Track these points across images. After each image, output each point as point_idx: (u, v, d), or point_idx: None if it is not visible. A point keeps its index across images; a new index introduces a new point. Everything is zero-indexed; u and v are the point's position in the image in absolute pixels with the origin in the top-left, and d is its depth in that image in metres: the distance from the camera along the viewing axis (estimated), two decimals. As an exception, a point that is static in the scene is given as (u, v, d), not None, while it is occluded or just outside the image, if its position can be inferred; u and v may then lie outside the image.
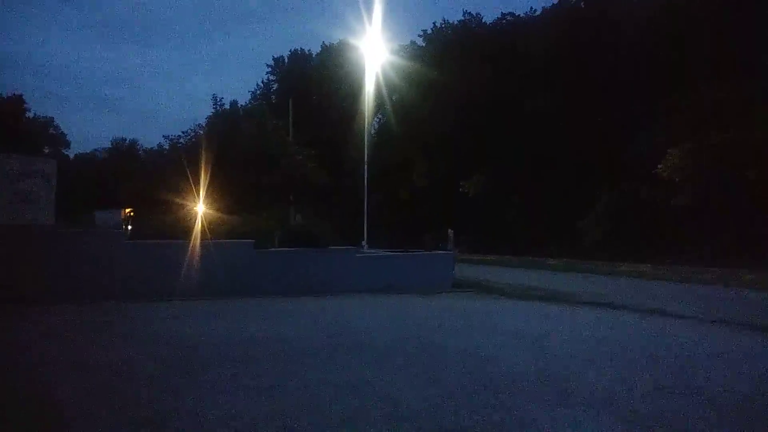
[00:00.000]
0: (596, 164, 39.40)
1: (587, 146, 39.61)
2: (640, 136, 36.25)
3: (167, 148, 40.72)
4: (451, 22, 54.03)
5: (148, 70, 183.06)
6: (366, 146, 24.71)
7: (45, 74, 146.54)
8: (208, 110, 61.12)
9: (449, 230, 19.90)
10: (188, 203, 22.05)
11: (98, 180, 68.68)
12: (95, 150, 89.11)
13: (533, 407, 5.14)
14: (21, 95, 66.53)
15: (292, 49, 67.54)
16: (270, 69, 67.71)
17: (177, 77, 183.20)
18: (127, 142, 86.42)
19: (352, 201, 38.84)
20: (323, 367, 6.69)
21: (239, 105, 52.28)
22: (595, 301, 14.56)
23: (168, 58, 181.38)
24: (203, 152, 23.96)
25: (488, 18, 53.29)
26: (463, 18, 53.53)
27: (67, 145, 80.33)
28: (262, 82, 68.34)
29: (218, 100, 45.20)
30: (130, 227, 21.93)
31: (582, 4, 46.29)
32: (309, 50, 66.79)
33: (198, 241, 14.28)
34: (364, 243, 21.92)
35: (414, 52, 52.02)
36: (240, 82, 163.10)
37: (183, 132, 35.72)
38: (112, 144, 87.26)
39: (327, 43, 62.25)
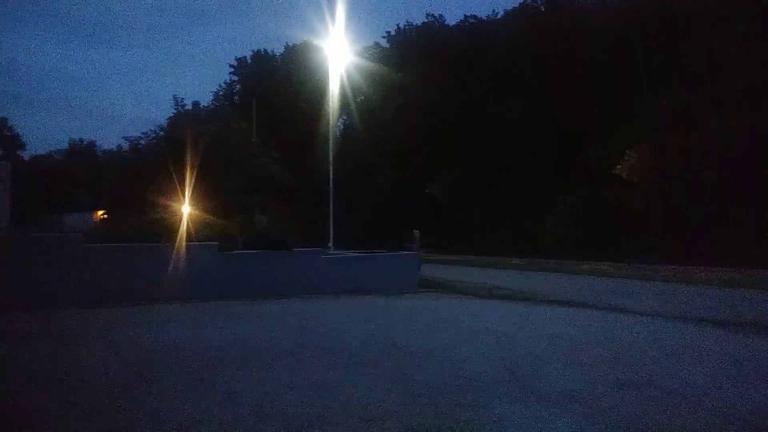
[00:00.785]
0: (559, 165, 40.11)
1: (550, 148, 40.32)
2: (602, 137, 37.07)
3: (127, 149, 39.77)
4: (414, 23, 54.41)
5: (107, 70, 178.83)
6: (331, 148, 24.63)
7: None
8: (169, 111, 60.00)
9: (415, 231, 19.96)
10: (167, 204, 21.67)
11: (55, 182, 66.66)
12: (52, 152, 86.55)
13: (499, 405, 5.20)
14: (-30, 95, 64.12)
15: (255, 50, 66.87)
16: (233, 69, 66.91)
17: (137, 77, 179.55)
18: (84, 143, 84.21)
19: (317, 203, 38.67)
20: (289, 370, 6.64)
21: (201, 106, 51.51)
22: (558, 299, 14.80)
23: (127, 58, 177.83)
24: (166, 154, 23.57)
25: (451, 20, 53.80)
26: (426, 20, 53.93)
27: (23, 146, 77.82)
28: (225, 82, 67.48)
29: (179, 100, 44.31)
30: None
31: (542, 8, 47.10)
32: (272, 51, 66.25)
33: (162, 244, 14.03)
34: (329, 244, 21.84)
35: (378, 54, 52.15)
36: (202, 82, 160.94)
37: (143, 133, 34.90)
38: (69, 145, 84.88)
39: (290, 43, 61.90)
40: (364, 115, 49.47)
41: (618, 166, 33.47)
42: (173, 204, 22.15)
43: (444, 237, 43.03)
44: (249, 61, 66.31)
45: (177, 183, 22.64)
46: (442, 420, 4.76)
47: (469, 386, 5.86)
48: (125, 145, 40.13)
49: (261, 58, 65.87)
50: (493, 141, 42.58)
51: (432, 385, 5.93)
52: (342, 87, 27.37)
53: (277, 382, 6.01)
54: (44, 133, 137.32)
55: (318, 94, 40.30)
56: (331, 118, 25.18)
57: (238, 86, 66.72)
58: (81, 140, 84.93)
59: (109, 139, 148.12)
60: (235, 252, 15.50)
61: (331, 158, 24.07)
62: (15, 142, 75.96)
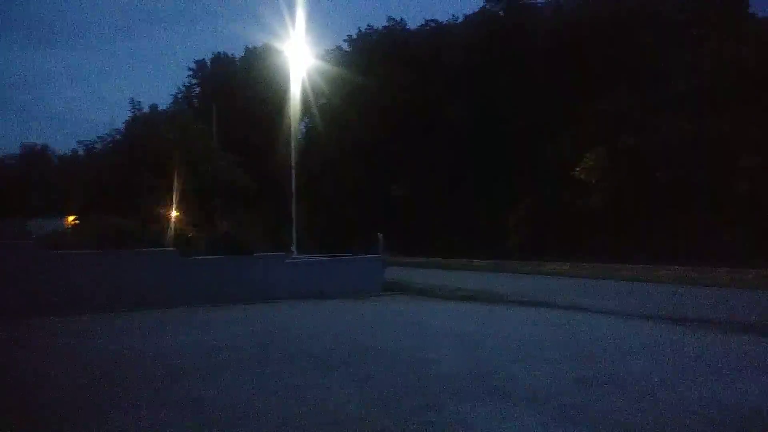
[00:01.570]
0: (519, 167, 40.72)
1: (510, 150, 40.92)
2: (560, 139, 37.81)
3: (82, 153, 38.66)
4: (375, 27, 54.47)
5: (61, 72, 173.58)
6: (293, 151, 24.46)
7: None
8: (125, 114, 58.59)
9: (379, 234, 19.96)
10: (128, 210, 21.08)
11: (10, 186, 64.20)
12: (3, 156, 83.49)
13: (464, 406, 5.23)
14: None
15: (215, 52, 65.93)
16: (192, 72, 65.82)
17: (92, 80, 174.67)
18: (38, 147, 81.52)
19: (280, 206, 38.34)
20: (253, 376, 6.54)
21: (160, 109, 50.44)
22: (520, 299, 15.01)
23: (82, 60, 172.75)
24: (123, 158, 22.99)
25: (412, 24, 54.00)
26: (387, 24, 54.06)
27: (-28, 151, 74.71)
28: (184, 85, 66.31)
29: (136, 103, 43.29)
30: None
31: (501, 12, 47.76)
32: (232, 54, 65.41)
33: (118, 250, 13.65)
34: (293, 249, 21.67)
35: (340, 57, 52.07)
36: (160, 85, 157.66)
37: (99, 137, 33.92)
38: (21, 149, 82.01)
39: (251, 46, 61.21)
40: (326, 117, 49.32)
41: (576, 169, 34.23)
42: (133, 209, 21.61)
43: (408, 239, 43.17)
44: (208, 63, 65.35)
45: (135, 188, 22.10)
46: (407, 422, 4.77)
47: (434, 387, 5.89)
48: (80, 149, 39.00)
49: (220, 60, 65.00)
50: (454, 143, 43.00)
51: (398, 387, 5.93)
52: (304, 90, 27.21)
53: (243, 389, 5.92)
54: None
55: (279, 97, 39.99)
56: (292, 122, 25.03)
57: (197, 89, 65.68)
58: (34, 144, 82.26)
59: (65, 143, 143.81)
60: (197, 258, 15.23)
61: (293, 162, 23.90)
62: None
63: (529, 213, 38.20)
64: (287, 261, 16.84)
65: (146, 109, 44.73)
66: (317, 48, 42.50)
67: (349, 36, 55.47)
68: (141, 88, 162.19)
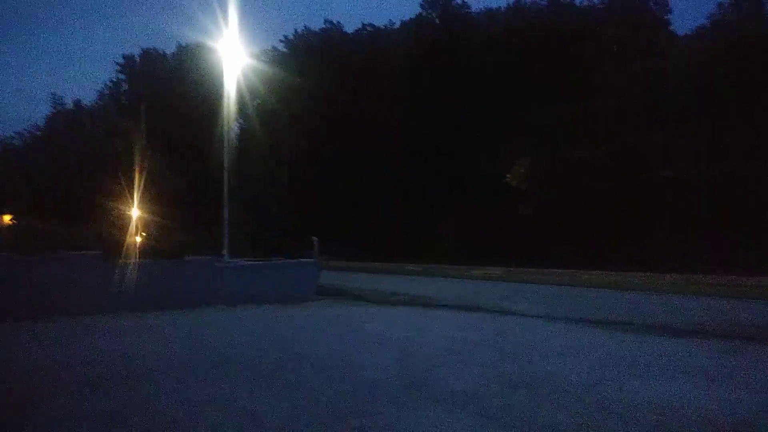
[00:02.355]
0: (455, 174, 41.44)
1: (446, 157, 41.59)
2: (495, 148, 38.76)
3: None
4: (312, 29, 54.25)
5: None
6: (226, 153, 23.87)
7: None
8: (46, 110, 55.73)
9: (313, 238, 19.78)
10: (50, 211, 19.99)
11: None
12: None
13: (394, 411, 5.22)
14: None
15: (145, 48, 63.78)
16: (120, 68, 63.37)
17: (11, 74, 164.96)
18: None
19: (214, 209, 37.38)
20: (181, 385, 6.31)
21: (84, 105, 48.32)
22: (453, 304, 15.22)
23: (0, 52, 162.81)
24: (45, 156, 21.85)
25: (349, 28, 54.16)
26: (324, 26, 53.95)
27: None
28: (111, 81, 63.78)
29: (58, 99, 41.27)
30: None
31: (437, 20, 48.57)
32: (163, 50, 63.42)
33: (45, 254, 12.94)
34: (224, 253, 21.12)
35: (276, 58, 51.51)
36: (85, 81, 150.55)
37: (16, 132, 32.17)
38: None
39: (183, 43, 59.57)
40: (263, 119, 48.56)
41: (508, 176, 35.21)
42: (56, 211, 20.57)
43: (344, 244, 43.07)
44: (137, 59, 63.12)
45: (58, 188, 21.06)
46: (336, 428, 4.72)
47: (364, 393, 5.86)
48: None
49: (151, 56, 62.90)
50: (392, 148, 43.29)
51: (328, 393, 5.87)
52: (239, 90, 26.62)
53: (167, 399, 5.69)
54: None
55: (213, 96, 39.06)
56: (225, 122, 24.46)
57: (125, 86, 63.31)
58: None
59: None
60: (123, 262, 14.60)
61: (225, 163, 23.32)
62: None
63: (463, 219, 38.95)
64: (218, 266, 16.41)
65: (69, 105, 42.81)
66: (252, 47, 41.85)
67: (286, 37, 55.08)
68: (65, 84, 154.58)
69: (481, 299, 16.41)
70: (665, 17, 44.55)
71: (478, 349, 8.56)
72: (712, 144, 31.60)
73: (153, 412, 5.21)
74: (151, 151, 30.08)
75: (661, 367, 7.37)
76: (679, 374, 6.90)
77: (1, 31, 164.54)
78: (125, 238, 18.95)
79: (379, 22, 65.13)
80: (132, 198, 25.64)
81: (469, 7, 48.66)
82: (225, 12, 20.27)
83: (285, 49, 54.57)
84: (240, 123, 52.82)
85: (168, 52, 62.36)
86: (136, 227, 22.53)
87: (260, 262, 18.54)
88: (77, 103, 58.27)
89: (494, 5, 48.76)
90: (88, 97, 63.53)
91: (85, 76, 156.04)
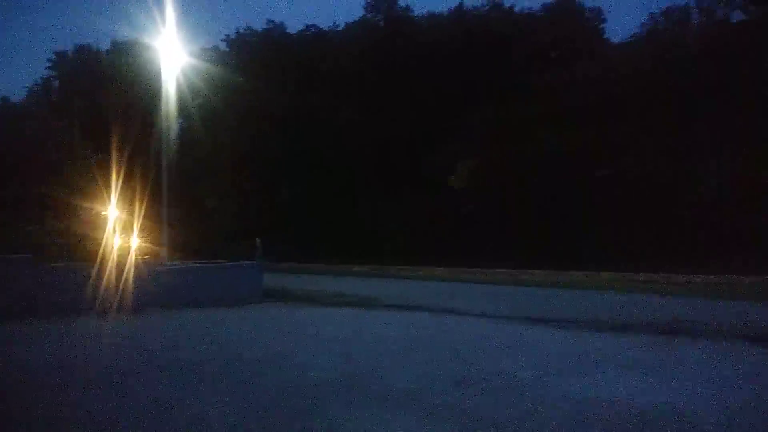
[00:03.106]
0: (400, 175, 41.70)
1: (391, 157, 41.81)
2: (439, 148, 39.24)
3: None
4: (254, 29, 53.44)
5: None
6: (165, 153, 23.21)
7: None
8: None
9: (257, 239, 19.49)
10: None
11: None
12: None
13: (339, 411, 5.20)
14: None
15: (78, 44, 61.15)
16: (51, 64, 60.53)
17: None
18: None
19: (154, 211, 36.26)
20: (121, 391, 6.08)
21: (12, 102, 45.96)
22: (397, 303, 15.30)
23: None
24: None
25: (292, 29, 53.61)
26: (267, 26, 53.23)
27: None
28: (42, 78, 60.87)
29: (-17, 95, 39.08)
30: None
31: (381, 23, 48.78)
32: (97, 46, 60.96)
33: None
34: (163, 255, 20.53)
35: (217, 57, 50.42)
36: (14, 78, 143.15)
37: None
38: None
39: (119, 40, 57.45)
40: (205, 118, 47.43)
41: (451, 177, 35.74)
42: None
43: (290, 245, 42.63)
44: (70, 55, 60.47)
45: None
46: (281, 430, 4.68)
47: (310, 394, 5.82)
48: None
49: (84, 53, 60.30)
50: (336, 150, 43.17)
51: (273, 395, 5.79)
52: (179, 89, 25.93)
53: (107, 405, 5.47)
54: None
55: (151, 95, 37.95)
56: (164, 122, 23.79)
57: (56, 82, 60.57)
58: None
59: None
60: (56, 265, 13.97)
61: (165, 164, 22.67)
62: None
63: (408, 219, 39.24)
64: (158, 268, 15.93)
65: (-5, 102, 40.64)
66: (192, 46, 40.72)
67: (227, 36, 54.04)
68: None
69: (426, 299, 16.58)
70: (600, 25, 46.36)
71: (422, 348, 8.63)
72: (642, 144, 33.09)
73: (86, 420, 4.99)
74: (85, 151, 28.91)
75: (599, 361, 7.64)
76: (615, 368, 7.16)
77: None
78: (60, 239, 18.17)
79: (323, 24, 64.89)
80: (64, 199, 24.57)
81: (412, 10, 49.16)
82: (162, 9, 19.68)
83: (227, 48, 53.57)
84: (181, 122, 51.45)
85: (103, 49, 60.04)
86: (69, 229, 21.59)
87: (201, 265, 18.12)
88: (5, 100, 55.39)
89: (437, 9, 49.34)
90: (17, 95, 60.34)
91: (13, 73, 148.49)
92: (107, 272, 14.11)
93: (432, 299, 16.42)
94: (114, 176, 28.85)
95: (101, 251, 15.43)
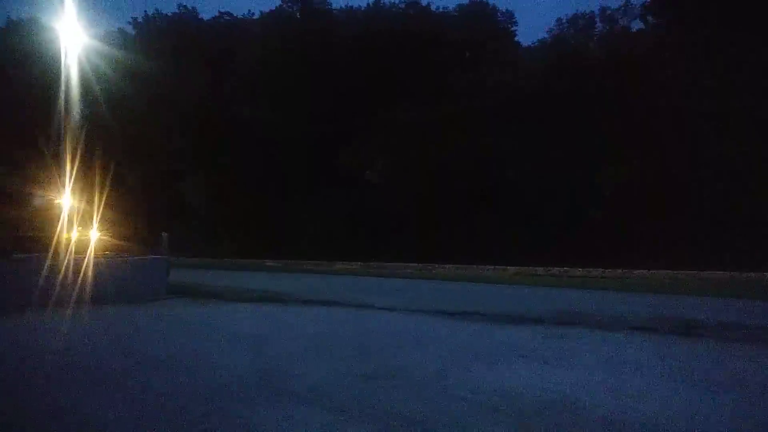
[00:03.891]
0: (315, 170, 41.39)
1: (306, 152, 41.41)
2: (356, 145, 39.30)
3: None
4: (164, 13, 51.32)
5: None
6: (65, 139, 21.85)
7: None
8: None
9: (163, 234, 18.72)
10: None
11: None
12: None
13: (248, 409, 5.12)
14: None
15: (-34, 20, 56.18)
16: (-67, 41, 55.24)
17: None
18: None
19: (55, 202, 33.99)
20: (12, 396, 5.66)
21: None
22: (311, 299, 15.22)
23: None
24: None
25: (205, 14, 52.00)
26: (177, 10, 51.28)
27: None
28: None
29: None
30: None
31: (298, 14, 48.16)
32: (-12, 23, 56.28)
33: None
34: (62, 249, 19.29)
35: (123, 41, 47.99)
36: None
37: None
38: None
39: (14, 18, 53.41)
40: (109, 105, 44.92)
41: (367, 172, 35.96)
42: None
43: (199, 239, 41.33)
44: (-44, 32, 55.44)
45: None
46: (187, 430, 4.54)
47: (218, 393, 5.67)
48: None
49: (-27, 30, 55.56)
50: (249, 142, 42.24)
51: (179, 395, 5.59)
52: (82, 73, 24.42)
53: (-13, 413, 5.08)
54: None
55: (50, 78, 35.49)
56: (62, 108, 22.37)
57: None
58: None
59: None
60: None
61: (66, 151, 21.35)
62: None
63: (323, 214, 39.10)
64: (50, 263, 14.93)
65: None
66: (97, 28, 38.57)
67: (134, 19, 51.57)
68: None
69: (340, 294, 16.59)
70: (512, 29, 48.05)
71: (333, 343, 8.64)
72: (546, 147, 34.71)
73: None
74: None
75: (503, 352, 7.95)
76: (517, 358, 7.48)
77: None
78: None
79: (237, 11, 63.23)
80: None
81: (330, 4, 48.86)
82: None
83: (133, 32, 51.06)
84: (82, 108, 48.51)
85: (-6, 26, 55.51)
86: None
87: (101, 259, 17.17)
88: None
89: (354, 4, 49.39)
90: None
91: None
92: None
93: (346, 294, 16.46)
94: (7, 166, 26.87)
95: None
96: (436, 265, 28.15)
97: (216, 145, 43.60)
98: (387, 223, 36.99)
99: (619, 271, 26.44)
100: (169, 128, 44.17)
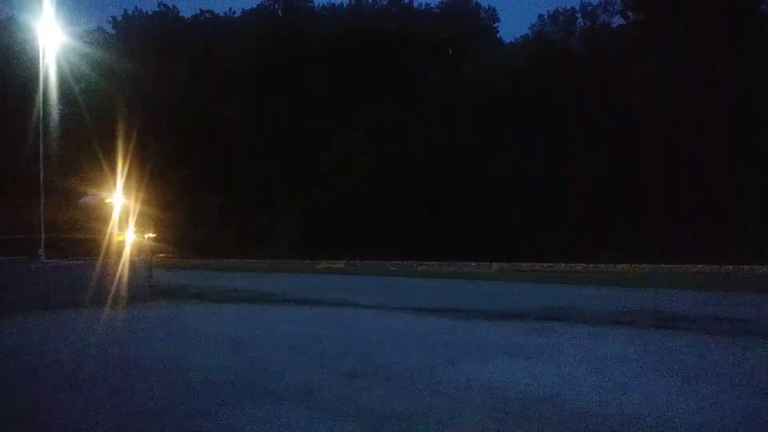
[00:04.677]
0: (293, 169, 41.24)
1: (284, 151, 41.24)
2: (334, 144, 39.21)
3: None
4: (144, 11, 50.81)
5: None
6: (42, 139, 21.44)
7: None
8: None
9: (146, 235, 18.56)
10: None
11: None
12: None
13: (232, 410, 5.06)
14: None
15: (-60, 19, 55.11)
16: None
17: None
18: None
19: (26, 202, 33.43)
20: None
21: None
22: (294, 298, 15.17)
23: None
24: None
25: (186, 12, 51.54)
26: (158, 9, 50.79)
27: None
28: None
29: None
30: None
31: (279, 12, 47.92)
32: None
33: None
34: (40, 252, 18.99)
35: (103, 40, 47.43)
36: None
37: None
38: None
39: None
40: (89, 104, 44.35)
41: (348, 170, 35.95)
42: None
43: (181, 241, 40.95)
44: (-70, 30, 54.37)
45: None
46: (169, 434, 4.48)
47: (202, 395, 5.61)
48: None
49: (-52, 29, 54.52)
50: (231, 143, 41.99)
51: (162, 398, 5.52)
52: (60, 72, 23.98)
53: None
54: None
55: (28, 76, 34.89)
56: (40, 107, 21.98)
57: None
58: None
59: None
60: None
61: (42, 151, 20.94)
62: None
63: (304, 214, 38.98)
64: (33, 266, 14.70)
65: None
66: (75, 26, 37.99)
67: (114, 18, 51.03)
68: None
69: (323, 292, 16.55)
70: (494, 25, 48.25)
71: (317, 342, 8.60)
72: (526, 143, 34.91)
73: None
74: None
75: (486, 348, 7.97)
76: (500, 354, 7.51)
77: None
78: None
79: (219, 9, 62.70)
80: None
81: (312, 1, 48.68)
82: (39, -17, 18.07)
83: (113, 31, 50.47)
84: (61, 108, 47.84)
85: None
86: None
87: (83, 262, 16.93)
88: None
89: (337, 1, 49.11)
90: None
91: None
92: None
93: (330, 293, 16.42)
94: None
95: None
96: (420, 262, 28.20)
97: (198, 142, 43.24)
98: (368, 221, 36.94)
99: (602, 266, 26.68)
100: (149, 127, 43.67)
